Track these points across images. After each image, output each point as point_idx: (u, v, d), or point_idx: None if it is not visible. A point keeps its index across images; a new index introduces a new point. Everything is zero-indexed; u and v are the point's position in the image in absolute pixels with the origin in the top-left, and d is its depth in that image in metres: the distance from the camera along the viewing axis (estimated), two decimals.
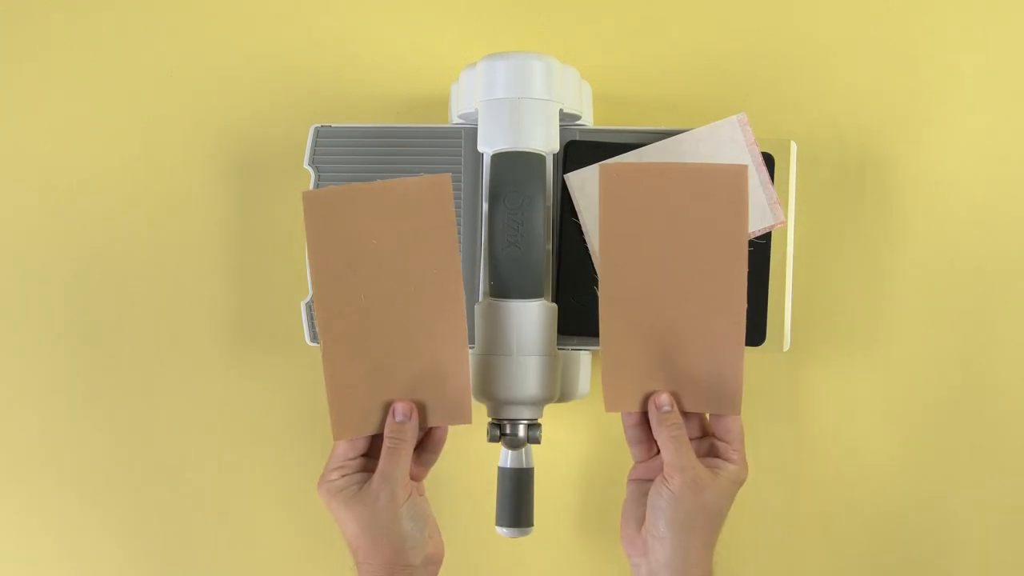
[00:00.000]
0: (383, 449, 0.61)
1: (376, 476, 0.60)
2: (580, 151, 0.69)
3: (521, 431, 0.66)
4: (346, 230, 0.61)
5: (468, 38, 0.79)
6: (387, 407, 0.62)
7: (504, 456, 0.67)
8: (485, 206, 0.66)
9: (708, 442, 0.64)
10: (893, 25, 0.78)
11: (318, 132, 0.70)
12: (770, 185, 0.68)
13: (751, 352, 0.70)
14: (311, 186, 0.70)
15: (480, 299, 0.67)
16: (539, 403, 0.66)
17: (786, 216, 0.69)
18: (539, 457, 0.69)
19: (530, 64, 0.65)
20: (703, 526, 0.59)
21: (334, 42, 0.79)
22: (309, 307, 0.69)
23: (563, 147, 0.69)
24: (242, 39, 0.79)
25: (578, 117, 0.69)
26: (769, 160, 0.69)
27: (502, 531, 0.67)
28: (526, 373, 0.65)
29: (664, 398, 0.62)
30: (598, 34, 0.78)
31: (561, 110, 0.67)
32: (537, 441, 0.66)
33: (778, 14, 0.78)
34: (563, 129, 0.68)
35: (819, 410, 0.77)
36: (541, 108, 0.66)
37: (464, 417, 0.62)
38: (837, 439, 0.77)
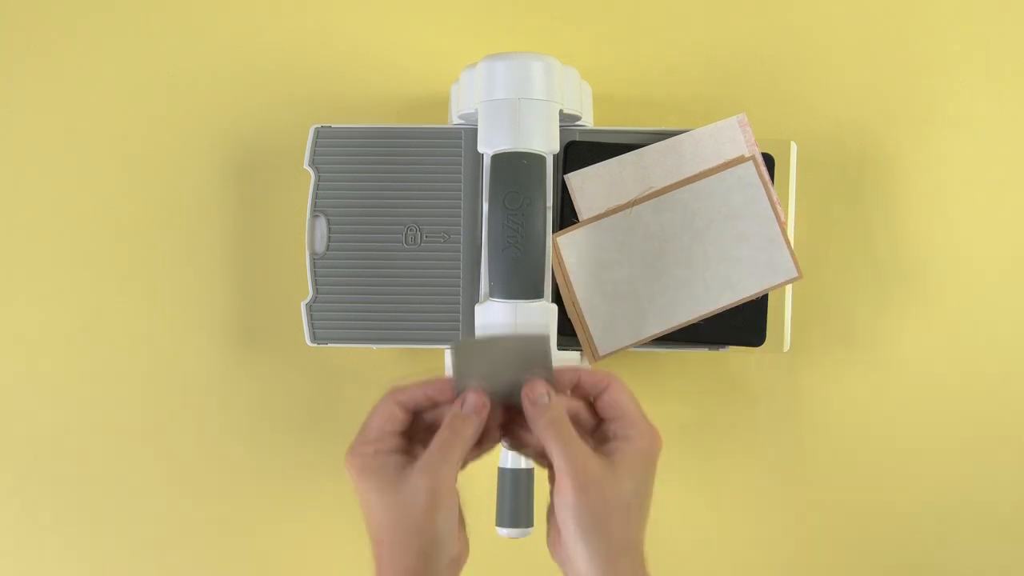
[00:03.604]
0: (437, 437, 0.50)
1: (420, 466, 0.49)
2: (580, 151, 0.69)
3: None
4: None
5: (468, 38, 0.79)
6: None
7: (504, 456, 0.67)
8: (485, 206, 0.66)
9: (603, 427, 0.53)
10: (893, 25, 0.78)
11: (318, 132, 0.70)
12: (770, 185, 0.68)
13: (751, 352, 0.70)
14: (311, 187, 0.69)
15: (480, 299, 0.67)
16: None
17: (786, 216, 0.69)
18: None
19: (530, 64, 0.65)
20: (617, 523, 0.49)
21: (334, 42, 0.79)
22: (309, 307, 0.69)
23: (563, 147, 0.69)
24: (242, 39, 0.79)
25: (578, 117, 0.69)
26: (769, 160, 0.69)
27: (502, 531, 0.67)
28: None
29: (540, 387, 0.51)
30: (598, 34, 0.78)
31: (561, 110, 0.67)
32: None
33: (778, 14, 0.78)
34: (563, 129, 0.68)
35: (819, 410, 0.77)
36: (541, 108, 0.65)
37: None
38: (837, 439, 0.77)
